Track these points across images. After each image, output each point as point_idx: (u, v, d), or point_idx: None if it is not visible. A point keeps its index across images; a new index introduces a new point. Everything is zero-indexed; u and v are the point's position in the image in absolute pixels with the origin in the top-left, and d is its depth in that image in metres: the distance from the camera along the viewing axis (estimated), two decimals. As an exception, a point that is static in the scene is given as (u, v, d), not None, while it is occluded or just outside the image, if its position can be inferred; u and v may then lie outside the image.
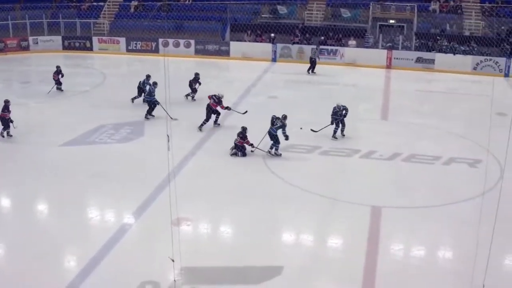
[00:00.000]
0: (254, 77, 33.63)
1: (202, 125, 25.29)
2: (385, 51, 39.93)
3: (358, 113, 27.65)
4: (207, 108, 25.49)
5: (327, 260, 15.65)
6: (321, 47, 40.18)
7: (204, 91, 27.86)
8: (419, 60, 39.34)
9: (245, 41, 42.47)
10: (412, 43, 41.52)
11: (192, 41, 42.01)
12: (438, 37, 41.24)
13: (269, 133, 22.51)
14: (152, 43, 42.35)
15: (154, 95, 26.56)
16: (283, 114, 22.73)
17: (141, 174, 20.34)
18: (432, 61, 39.21)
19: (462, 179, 21.04)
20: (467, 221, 16.64)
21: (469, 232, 15.43)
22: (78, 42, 43.83)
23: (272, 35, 41.94)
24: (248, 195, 19.11)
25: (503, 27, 42.02)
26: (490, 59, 38.96)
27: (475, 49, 40.28)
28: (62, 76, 31.15)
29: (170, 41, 41.96)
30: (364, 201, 18.72)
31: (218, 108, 25.49)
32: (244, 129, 22.27)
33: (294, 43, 41.19)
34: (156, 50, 41.98)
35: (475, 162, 22.28)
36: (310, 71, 37.48)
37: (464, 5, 43.42)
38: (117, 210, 18.02)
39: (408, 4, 43.38)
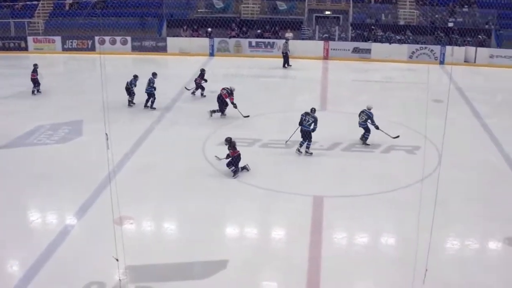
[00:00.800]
0: (192, 73, 33.47)
1: (213, 112, 26.34)
2: (322, 42, 40.27)
3: (296, 104, 27.81)
4: (218, 100, 26.31)
5: (271, 252, 15.70)
6: (257, 40, 40.30)
7: (140, 88, 27.65)
8: (355, 50, 39.81)
9: (182, 36, 42.28)
10: (348, 33, 41.96)
11: (129, 38, 41.61)
12: (373, 27, 41.74)
13: (302, 131, 22.12)
14: (88, 41, 41.78)
15: (155, 86, 27.52)
16: (312, 108, 22.67)
17: (82, 174, 20.07)
18: (368, 51, 39.72)
19: (402, 166, 21.39)
20: (408, 207, 16.90)
21: (410, 218, 15.65)
22: (12, 43, 42.97)
23: (209, 29, 41.86)
24: (190, 190, 19.04)
25: (437, 16, 42.75)
26: (425, 48, 39.67)
27: (410, 38, 40.93)
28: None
29: (107, 38, 41.47)
30: (306, 191, 18.85)
31: (228, 101, 25.93)
32: (229, 141, 20.22)
33: (231, 37, 41.21)
34: (92, 48, 41.44)
35: (413, 149, 22.67)
36: (286, 65, 37.62)
37: (399, -4, 44.05)
38: (59, 211, 17.71)
39: (344, -5, 43.84)
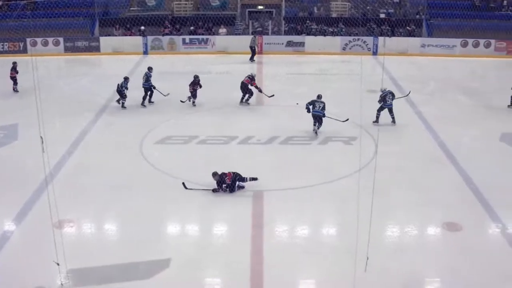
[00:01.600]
0: (126, 72, 33.11)
1: (242, 100, 27.38)
2: (256, 37, 40.27)
3: (233, 100, 27.80)
4: (241, 87, 27.49)
5: (214, 249, 15.69)
6: (191, 36, 40.15)
7: (74, 89, 27.26)
8: (289, 44, 40.00)
9: (115, 35, 41.80)
10: (281, 27, 42.09)
11: (61, 39, 40.87)
12: (306, 21, 41.97)
13: (315, 116, 23.71)
14: (20, 43, 40.89)
15: (151, 81, 27.84)
16: (319, 94, 24.26)
17: (18, 179, 19.64)
18: (302, 44, 39.96)
19: (339, 157, 21.61)
20: (347, 197, 17.07)
21: (350, 208, 15.82)
22: None
23: (142, 28, 41.44)
24: (129, 190, 18.86)
25: (368, 7, 43.26)
26: (358, 39, 40.14)
27: (343, 30, 41.30)
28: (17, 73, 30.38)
29: (38, 40, 40.65)
30: (245, 187, 18.84)
31: (252, 87, 26.54)
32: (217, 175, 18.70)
33: (164, 34, 40.91)
34: (24, 50, 40.51)
35: (350, 140, 22.91)
36: (252, 59, 37.86)
37: (330, -12, 44.37)
38: (-4, 217, 17.37)
39: (275, -11, 43.93)
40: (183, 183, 18.57)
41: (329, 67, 36.06)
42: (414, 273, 14.61)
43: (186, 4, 44.10)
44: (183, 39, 40.31)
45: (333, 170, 20.30)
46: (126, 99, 27.33)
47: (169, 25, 41.70)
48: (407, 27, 41.60)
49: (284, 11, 43.34)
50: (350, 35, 40.73)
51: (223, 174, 18.44)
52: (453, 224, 16.92)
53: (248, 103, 26.73)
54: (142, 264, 14.76)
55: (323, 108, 23.69)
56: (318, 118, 23.73)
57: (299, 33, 41.01)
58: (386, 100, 24.52)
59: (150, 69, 28.42)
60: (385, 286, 13.97)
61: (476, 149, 22.96)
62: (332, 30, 41.27)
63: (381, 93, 24.64)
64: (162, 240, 16.07)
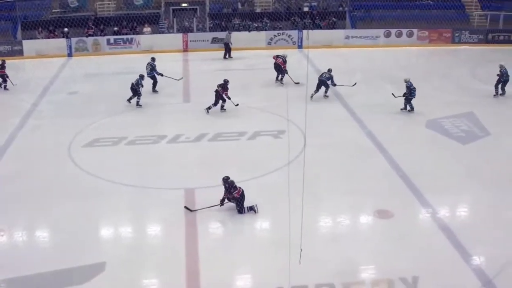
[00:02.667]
0: (51, 75, 32.59)
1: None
2: (181, 34, 40.05)
3: (160, 98, 27.61)
4: (275, 68, 29.57)
5: (148, 248, 15.61)
6: (115, 37, 39.66)
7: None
8: (214, 40, 39.82)
9: (38, 38, 40.93)
10: (206, 24, 41.94)
11: (-18, 44, 39.89)
12: (231, 17, 41.96)
13: (320, 80, 27.20)
14: None
15: (156, 70, 28.87)
16: (329, 68, 27.70)
17: None
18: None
19: (269, 151, 21.66)
20: (279, 190, 16.99)
21: (282, 201, 15.79)
22: None
23: (66, 29, 40.66)
24: (59, 195, 18.49)
25: (292, 1, 43.48)
26: (283, 33, 40.30)
27: (268, 24, 41.40)
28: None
29: (-40, 46, 39.57)
30: (177, 185, 18.81)
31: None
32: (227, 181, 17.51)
33: (88, 35, 40.27)
34: None
35: (279, 133, 23.01)
36: (227, 55, 37.61)
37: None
38: None
39: (199, -13, 43.75)
40: (185, 207, 17.41)
41: (255, 62, 36.07)
42: (348, 261, 14.83)
43: (109, 4, 43.54)
44: (108, 40, 39.74)
45: (263, 164, 20.34)
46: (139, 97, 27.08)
47: (92, 26, 41.07)
48: (331, 20, 41.99)
49: (209, 8, 43.21)
50: (275, 30, 40.88)
51: (232, 184, 17.20)
52: (384, 211, 17.20)
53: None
54: (76, 269, 14.53)
55: (331, 79, 27.34)
56: (322, 82, 27.13)
57: (224, 29, 40.94)
58: (411, 90, 25.74)
59: (153, 59, 29.48)
60: (320, 276, 14.10)
61: (403, 137, 23.42)
62: (256, 25, 41.35)
63: (407, 84, 25.75)
64: (95, 244, 15.84)
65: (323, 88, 27.40)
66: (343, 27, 42.28)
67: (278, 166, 19.72)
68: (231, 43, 37.95)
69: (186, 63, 35.69)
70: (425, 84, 29.17)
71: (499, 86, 28.14)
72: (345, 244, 15.60)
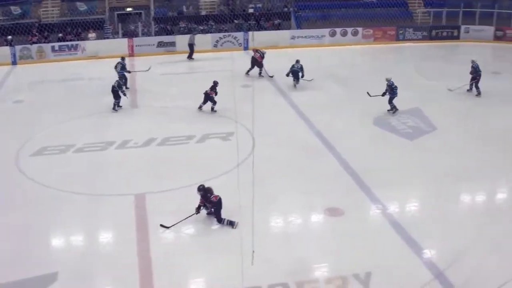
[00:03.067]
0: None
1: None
2: (126, 39, 39.76)
3: (106, 105, 27.34)
4: (252, 60, 30.79)
5: (100, 256, 15.45)
6: (60, 43, 39.17)
7: None
8: (160, 44, 39.64)
9: (-21, 47, 40.25)
10: (151, 28, 41.74)
11: None
12: (176, 20, 41.82)
13: (293, 72, 29.71)
14: None
15: (126, 68, 29.96)
16: (297, 59, 29.94)
17: None
18: (173, 43, 39.71)
19: (218, 153, 21.61)
20: (230, 192, 16.92)
21: (233, 203, 15.79)
22: None
23: (9, 37, 40.01)
24: (9, 205, 18.18)
25: (237, 2, 43.53)
26: (229, 35, 40.36)
27: (214, 27, 41.38)
28: None
29: None
30: (127, 191, 18.66)
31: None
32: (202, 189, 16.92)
33: (33, 43, 39.69)
34: None
35: (227, 135, 22.99)
36: (191, 56, 37.83)
37: (197, -14, 44.40)
38: None
39: (143, -10, 43.49)
40: (161, 225, 16.66)
41: (201, 65, 36.02)
42: (301, 260, 14.88)
43: (53, 10, 43.01)
44: (52, 47, 39.22)
45: (213, 167, 20.27)
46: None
47: (36, 33, 40.51)
48: (275, 21, 42.15)
49: (154, 12, 43.00)
50: (220, 32, 40.89)
51: (209, 190, 16.71)
52: (335, 209, 17.32)
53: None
54: (28, 280, 14.28)
55: (301, 68, 29.65)
56: (295, 74, 29.52)
57: (169, 33, 40.80)
58: (393, 89, 25.89)
59: (123, 58, 30.69)
60: (273, 276, 14.12)
61: (351, 134, 23.61)
62: (202, 27, 41.31)
63: (388, 82, 25.91)
64: (47, 254, 15.61)
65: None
66: (289, 28, 42.49)
67: (228, 168, 19.69)
68: (195, 44, 38.07)
69: (132, 68, 35.40)
70: (370, 81, 29.47)
71: (473, 83, 28.56)
72: (298, 243, 15.66)
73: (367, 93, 26.46)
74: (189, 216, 16.55)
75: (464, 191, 19.26)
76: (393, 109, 25.96)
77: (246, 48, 39.74)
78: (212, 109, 25.91)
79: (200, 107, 25.88)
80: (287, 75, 29.82)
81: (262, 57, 32.02)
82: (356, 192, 18.61)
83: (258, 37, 38.96)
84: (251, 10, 43.60)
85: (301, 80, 29.79)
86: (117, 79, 27.27)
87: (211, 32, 40.80)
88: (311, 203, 17.83)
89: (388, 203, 17.79)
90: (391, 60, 37.70)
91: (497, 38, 42.93)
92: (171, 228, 16.39)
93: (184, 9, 43.74)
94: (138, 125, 24.80)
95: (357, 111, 26.05)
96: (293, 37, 40.78)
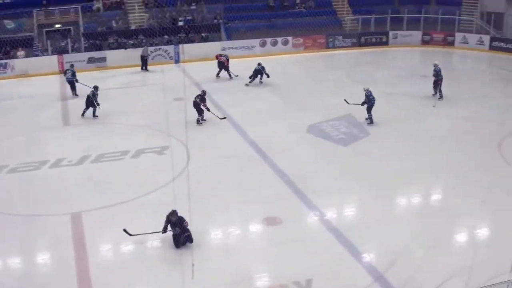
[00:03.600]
0: None
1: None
2: (56, 56, 39.17)
3: (39, 123, 26.95)
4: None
5: (39, 278, 15.17)
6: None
7: None
8: (91, 60, 39.18)
9: None
10: (81, 44, 41.27)
11: None
12: (106, 35, 41.43)
13: (258, 70, 32.24)
14: None
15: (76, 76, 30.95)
16: (258, 62, 32.43)
17: None
18: (104, 59, 39.32)
19: (154, 168, 21.48)
20: (167, 207, 16.82)
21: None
22: None
23: None
24: None
25: (166, 16, 43.39)
26: (160, 49, 40.16)
27: (144, 41, 41.13)
28: None
29: None
30: (63, 210, 18.37)
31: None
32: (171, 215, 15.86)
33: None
34: None
35: (162, 149, 22.86)
36: (144, 68, 37.78)
37: (126, 0, 44.01)
38: None
39: (71, 7, 42.84)
40: (124, 230, 16.24)
41: (134, 80, 35.78)
42: (242, 270, 14.93)
43: (-21, 29, 42.16)
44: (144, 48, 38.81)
45: (149, 182, 20.15)
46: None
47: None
48: (205, 33, 42.17)
49: (83, 28, 42.50)
50: (151, 46, 40.67)
51: (182, 218, 15.56)
52: (272, 218, 17.42)
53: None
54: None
55: (263, 68, 32.25)
56: (258, 72, 32.22)
57: (99, 48, 40.41)
58: (370, 100, 25.88)
59: (72, 65, 32.19)
60: (214, 288, 14.11)
61: (286, 143, 23.76)
62: (132, 42, 41.04)
63: (366, 92, 25.90)
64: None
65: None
66: (219, 39, 42.53)
67: (164, 182, 19.59)
68: (147, 56, 38.29)
69: (63, 85, 34.89)
70: (302, 89, 29.79)
71: (437, 87, 29.12)
72: (238, 254, 15.68)
73: (345, 100, 26.77)
74: (155, 232, 16.16)
75: (399, 193, 19.64)
76: (370, 119, 25.95)
77: (177, 61, 39.60)
78: (198, 121, 25.77)
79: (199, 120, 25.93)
80: (251, 77, 32.37)
81: (227, 60, 33.97)
82: (293, 200, 18.75)
83: (189, 50, 38.96)
84: (181, 23, 43.49)
85: (233, 78, 32.92)
86: (92, 89, 27.64)
87: (141, 47, 40.51)
88: (249, 213, 17.89)
89: (325, 209, 17.99)
90: (323, 67, 38.18)
91: (424, 43, 43.96)
92: (109, 246, 16.27)
93: (114, 24, 43.37)
94: (71, 142, 24.45)
95: (290, 120, 26.26)
96: (223, 49, 40.74)
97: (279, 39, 41.72)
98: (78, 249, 16.18)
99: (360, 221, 17.77)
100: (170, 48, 40.11)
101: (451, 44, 42.55)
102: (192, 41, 41.63)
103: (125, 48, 39.94)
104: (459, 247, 16.54)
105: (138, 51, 39.10)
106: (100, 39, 41.25)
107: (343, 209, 18.62)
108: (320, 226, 17.22)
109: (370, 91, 25.90)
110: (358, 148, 23.27)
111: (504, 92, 30.04)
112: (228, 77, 33.93)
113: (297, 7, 45.74)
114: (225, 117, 26.56)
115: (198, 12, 44.71)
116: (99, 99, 27.27)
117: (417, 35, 44.25)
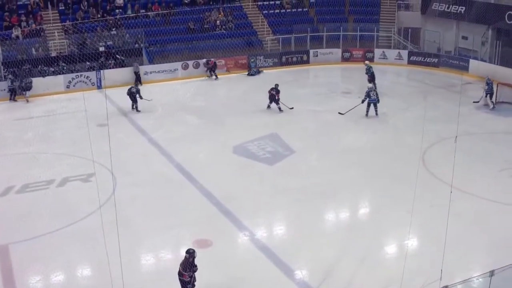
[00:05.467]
0: None
1: None
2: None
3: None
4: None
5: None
6: None
7: None
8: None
9: None
10: (0, 73, 40.51)
11: None
12: (26, 63, 40.73)
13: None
14: None
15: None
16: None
17: None
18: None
19: (80, 196, 21.20)
20: (95, 235, 16.54)
21: (99, 245, 15.51)
22: None
23: None
24: None
25: (87, 42, 42.99)
26: (81, 75, 39.67)
27: (65, 68, 40.61)
28: None
29: None
30: None
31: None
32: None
33: None
34: None
35: (88, 177, 22.60)
36: (138, 82, 38.53)
37: (45, 27, 43.43)
38: None
39: (-12, 35, 42.11)
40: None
41: (55, 107, 35.18)
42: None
43: None
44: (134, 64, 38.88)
45: (75, 210, 19.92)
46: None
47: None
48: (124, 58, 42.00)
49: (2, 56, 41.73)
50: (72, 72, 40.18)
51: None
52: (203, 240, 17.47)
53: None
54: None
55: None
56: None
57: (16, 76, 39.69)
58: (370, 96, 28.51)
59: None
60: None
61: (212, 164, 23.89)
62: (53, 69, 40.44)
63: (367, 89, 28.71)
64: None
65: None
66: (141, 63, 42.36)
67: (91, 210, 19.38)
68: (138, 71, 39.83)
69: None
70: (226, 111, 29.96)
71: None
72: (169, 279, 15.58)
73: (339, 113, 28.27)
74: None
75: (327, 209, 20.01)
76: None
77: (99, 87, 39.24)
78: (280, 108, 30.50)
79: None
80: None
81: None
82: (223, 221, 18.85)
83: (111, 75, 38.63)
84: (101, 48, 43.12)
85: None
86: (136, 87, 32.53)
87: (62, 73, 39.96)
88: (179, 237, 17.92)
89: (255, 229, 18.15)
90: (246, 88, 38.34)
91: (344, 60, 44.82)
92: (38, 278, 16.01)
93: (34, 51, 42.72)
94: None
95: (216, 141, 26.39)
96: (146, 73, 40.63)
97: (201, 61, 41.79)
98: (6, 282, 15.89)
99: (289, 238, 18.00)
100: (92, 74, 39.71)
101: (371, 60, 43.28)
102: (113, 67, 41.33)
103: (43, 76, 39.31)
104: (389, 258, 16.92)
105: (59, 79, 38.65)
106: (18, 67, 40.53)
107: (273, 228, 18.82)
108: (250, 246, 17.36)
109: (371, 88, 29.52)
110: (283, 166, 23.53)
111: (423, 105, 30.79)
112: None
113: (217, 29, 45.97)
114: (292, 108, 30.48)
115: (119, 37, 44.47)
116: None
117: (337, 52, 45.09)
